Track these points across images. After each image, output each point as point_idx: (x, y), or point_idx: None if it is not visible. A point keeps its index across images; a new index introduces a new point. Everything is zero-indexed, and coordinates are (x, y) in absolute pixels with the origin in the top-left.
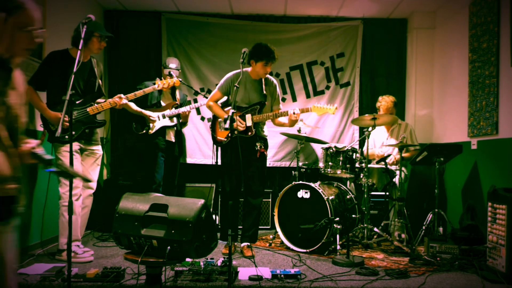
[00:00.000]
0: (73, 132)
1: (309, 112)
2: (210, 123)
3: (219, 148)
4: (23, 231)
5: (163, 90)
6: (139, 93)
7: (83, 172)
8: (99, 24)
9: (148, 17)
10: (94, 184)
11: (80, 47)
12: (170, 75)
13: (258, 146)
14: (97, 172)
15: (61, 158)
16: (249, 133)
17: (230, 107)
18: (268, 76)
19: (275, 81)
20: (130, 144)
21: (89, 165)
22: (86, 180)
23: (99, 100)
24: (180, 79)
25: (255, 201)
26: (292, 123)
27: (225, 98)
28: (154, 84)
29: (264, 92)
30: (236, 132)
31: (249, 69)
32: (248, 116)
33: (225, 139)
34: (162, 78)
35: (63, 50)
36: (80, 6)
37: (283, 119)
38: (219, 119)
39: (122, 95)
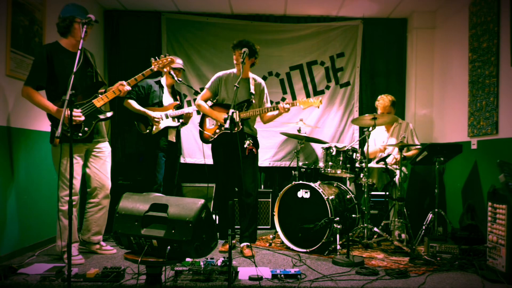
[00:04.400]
0: (86, 129)
1: (295, 106)
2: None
3: (210, 147)
4: (23, 231)
5: (164, 89)
6: (139, 76)
7: (94, 175)
8: (79, 8)
9: (148, 17)
10: (108, 184)
11: (80, 47)
12: (171, 75)
13: (247, 144)
14: (109, 169)
15: (63, 162)
16: (236, 129)
17: (215, 105)
18: (255, 77)
19: (263, 83)
20: (130, 144)
21: (100, 166)
22: None
23: (101, 90)
24: (180, 79)
25: (249, 199)
26: (283, 112)
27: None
28: (156, 82)
29: (252, 91)
30: (223, 128)
31: (234, 70)
32: (236, 113)
33: (212, 135)
34: (164, 76)
35: (53, 42)
36: None
37: (272, 113)
38: (207, 117)
39: (123, 82)
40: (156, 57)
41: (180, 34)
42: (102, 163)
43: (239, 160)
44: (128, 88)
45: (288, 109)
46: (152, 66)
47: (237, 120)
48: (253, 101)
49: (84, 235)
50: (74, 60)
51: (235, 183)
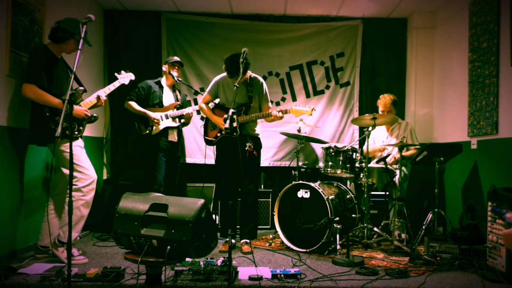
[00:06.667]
0: (81, 128)
1: (288, 114)
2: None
3: (214, 149)
4: (23, 231)
5: (164, 89)
6: (110, 87)
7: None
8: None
9: (148, 17)
10: None
11: (80, 47)
12: (171, 74)
13: (247, 146)
14: None
15: (65, 151)
16: (234, 133)
17: (216, 107)
18: (253, 75)
19: (261, 79)
20: (130, 144)
21: None
22: None
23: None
24: (180, 79)
25: (248, 198)
26: (277, 119)
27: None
28: (156, 83)
29: (249, 93)
30: (223, 132)
31: None
32: (234, 116)
33: (214, 139)
34: (164, 76)
35: (43, 45)
36: (80, 6)
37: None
38: (210, 120)
39: (101, 91)
40: (119, 72)
41: (180, 34)
42: None
43: (240, 162)
44: (105, 98)
45: (282, 117)
46: (119, 79)
47: (235, 125)
48: (252, 105)
49: (45, 240)
50: (59, 64)
51: (236, 183)
